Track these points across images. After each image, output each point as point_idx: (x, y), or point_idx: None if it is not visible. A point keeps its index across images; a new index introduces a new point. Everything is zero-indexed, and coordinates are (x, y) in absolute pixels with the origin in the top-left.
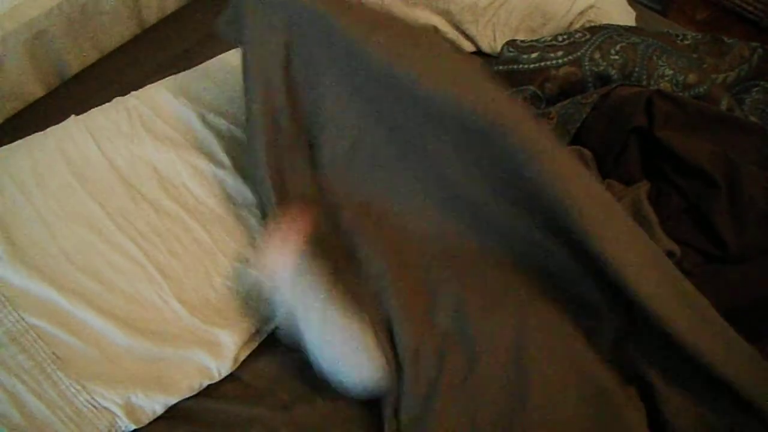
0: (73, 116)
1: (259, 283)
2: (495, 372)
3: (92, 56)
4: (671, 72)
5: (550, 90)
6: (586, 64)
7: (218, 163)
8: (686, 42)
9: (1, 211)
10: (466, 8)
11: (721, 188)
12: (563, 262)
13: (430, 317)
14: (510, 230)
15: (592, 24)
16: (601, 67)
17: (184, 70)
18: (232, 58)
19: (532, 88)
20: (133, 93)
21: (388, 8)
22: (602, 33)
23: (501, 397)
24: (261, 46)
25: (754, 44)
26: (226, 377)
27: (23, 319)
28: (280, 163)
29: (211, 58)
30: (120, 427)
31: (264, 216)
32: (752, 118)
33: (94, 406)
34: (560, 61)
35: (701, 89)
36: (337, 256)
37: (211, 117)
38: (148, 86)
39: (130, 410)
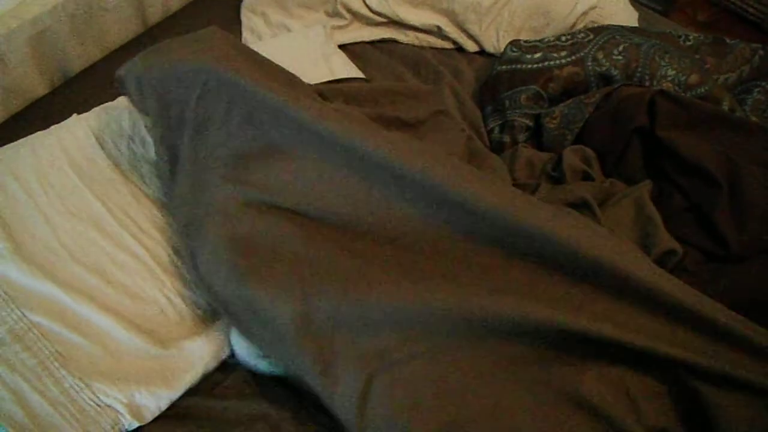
0: (75, 114)
1: None
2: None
3: (95, 54)
4: (673, 72)
5: (553, 90)
6: (589, 64)
7: None
8: (688, 43)
9: (4, 208)
10: (470, 8)
11: (723, 188)
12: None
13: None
14: None
15: (595, 24)
16: (604, 68)
17: None
18: None
19: (535, 87)
20: None
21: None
22: (605, 33)
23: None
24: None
25: (755, 45)
26: (229, 375)
27: (26, 317)
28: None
29: None
30: (123, 424)
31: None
32: (753, 119)
33: (98, 404)
34: (563, 61)
35: (703, 90)
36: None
37: None
38: None
39: (134, 408)
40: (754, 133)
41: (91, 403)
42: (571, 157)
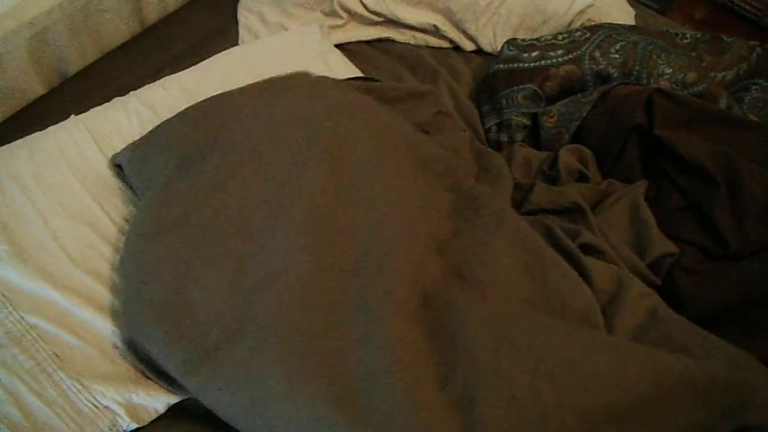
0: (73, 116)
1: None
2: None
3: (93, 55)
4: (671, 70)
5: (551, 88)
6: (586, 62)
7: None
8: (685, 40)
9: (1, 209)
10: (467, 7)
11: (721, 186)
12: None
13: None
14: None
15: (592, 23)
16: (601, 66)
17: (184, 69)
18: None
19: (532, 86)
20: (132, 93)
21: None
22: (602, 32)
23: None
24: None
25: (752, 43)
26: None
27: (24, 319)
28: None
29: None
30: (122, 425)
31: None
32: (751, 116)
33: (96, 406)
34: (560, 59)
35: (700, 87)
36: None
37: None
38: (148, 86)
39: (132, 409)
40: (752, 131)
41: (89, 404)
42: (567, 156)
